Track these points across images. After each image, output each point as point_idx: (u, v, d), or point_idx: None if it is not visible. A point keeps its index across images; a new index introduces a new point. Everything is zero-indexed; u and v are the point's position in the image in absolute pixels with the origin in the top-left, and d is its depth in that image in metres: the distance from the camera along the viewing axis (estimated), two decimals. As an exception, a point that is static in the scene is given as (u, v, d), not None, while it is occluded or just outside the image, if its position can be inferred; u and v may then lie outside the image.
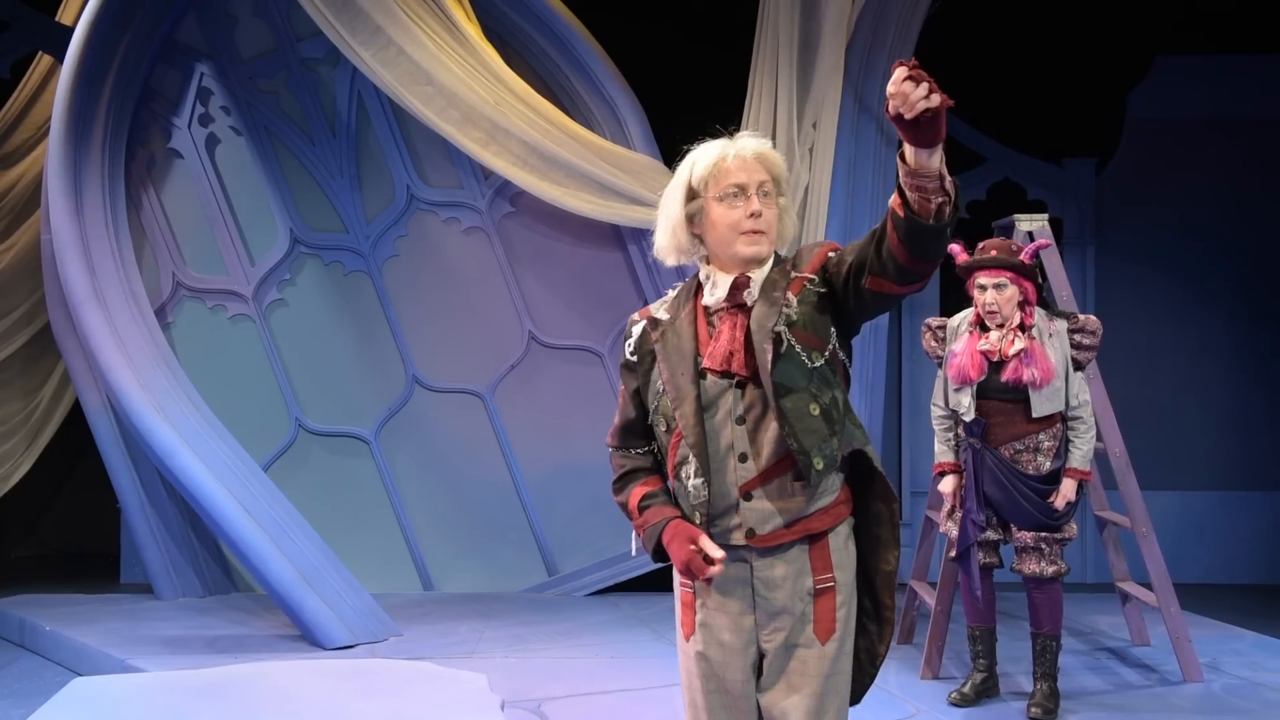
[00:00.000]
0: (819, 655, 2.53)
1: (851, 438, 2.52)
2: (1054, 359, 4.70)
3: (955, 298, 5.34)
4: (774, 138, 6.38)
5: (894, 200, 2.28)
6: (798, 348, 2.46)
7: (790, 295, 2.49)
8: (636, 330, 2.65)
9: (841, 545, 2.57)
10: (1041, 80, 7.71)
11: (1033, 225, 5.42)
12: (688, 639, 2.62)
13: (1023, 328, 4.71)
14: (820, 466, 2.45)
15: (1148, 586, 5.43)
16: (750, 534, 2.51)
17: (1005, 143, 7.88)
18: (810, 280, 2.51)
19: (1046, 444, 4.75)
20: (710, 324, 2.56)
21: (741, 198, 2.51)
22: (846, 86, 6.54)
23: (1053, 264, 5.44)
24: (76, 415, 7.26)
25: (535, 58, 6.99)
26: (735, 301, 2.54)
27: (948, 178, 2.24)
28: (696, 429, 2.50)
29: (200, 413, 6.52)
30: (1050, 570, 4.74)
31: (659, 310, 2.64)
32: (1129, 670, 5.48)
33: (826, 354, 2.49)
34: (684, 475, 2.53)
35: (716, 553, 2.45)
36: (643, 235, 6.76)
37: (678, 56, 7.36)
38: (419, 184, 7.23)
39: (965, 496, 4.81)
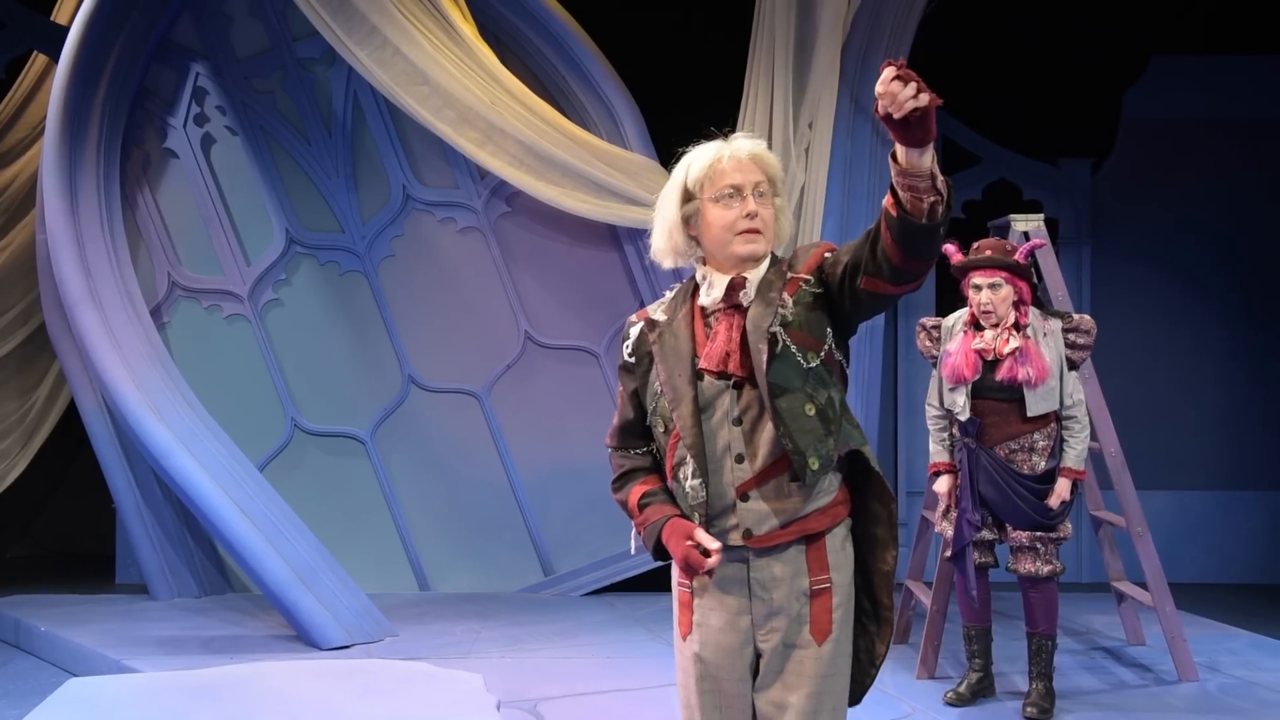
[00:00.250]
0: (815, 656, 2.53)
1: (849, 438, 2.52)
2: (1049, 358, 4.70)
3: (951, 298, 5.34)
4: (770, 138, 6.39)
5: (887, 200, 2.29)
6: (793, 348, 2.46)
7: (786, 296, 2.50)
8: (634, 332, 2.65)
9: (839, 546, 2.57)
10: (1037, 80, 7.72)
11: (1028, 225, 5.43)
12: (684, 638, 2.62)
13: (1017, 327, 4.71)
14: (816, 467, 2.46)
15: (1143, 586, 5.44)
16: (747, 534, 2.51)
17: (1001, 143, 7.88)
18: (806, 281, 2.52)
19: (1041, 444, 4.76)
20: (707, 325, 2.56)
21: (737, 198, 2.52)
22: (842, 87, 6.55)
23: (1048, 264, 5.44)
24: (72, 415, 7.25)
25: (531, 57, 6.99)
26: (731, 302, 2.54)
27: (939, 177, 2.25)
28: (694, 430, 2.50)
29: (195, 413, 6.51)
30: (1045, 570, 4.75)
31: (656, 311, 2.65)
32: (1124, 670, 5.49)
33: (822, 354, 2.49)
34: (682, 476, 2.54)
35: (712, 544, 2.45)
36: (639, 235, 6.77)
37: (674, 56, 7.36)
38: (415, 184, 7.23)
39: (960, 496, 4.82)
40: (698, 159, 2.56)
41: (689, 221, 2.57)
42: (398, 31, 6.39)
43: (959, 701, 4.91)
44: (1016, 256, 4.71)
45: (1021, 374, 4.66)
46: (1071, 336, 4.80)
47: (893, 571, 2.59)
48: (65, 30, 6.78)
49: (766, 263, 2.56)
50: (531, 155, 6.49)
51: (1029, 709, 4.76)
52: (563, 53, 6.90)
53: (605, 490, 2.73)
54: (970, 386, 4.76)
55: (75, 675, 5.45)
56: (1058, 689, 4.91)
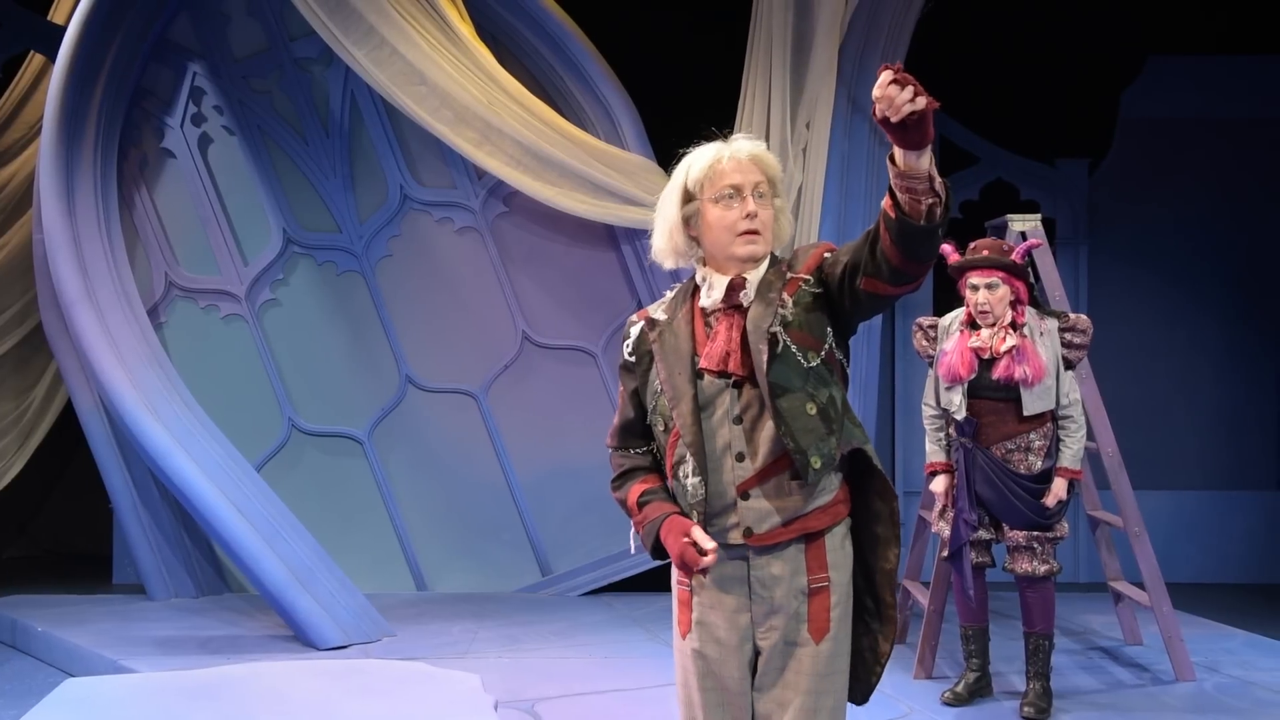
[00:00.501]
0: (813, 654, 2.54)
1: (850, 436, 2.54)
2: (1045, 357, 4.71)
3: (948, 297, 5.34)
4: (768, 138, 6.38)
5: (885, 202, 2.30)
6: (793, 348, 2.47)
7: (786, 296, 2.51)
8: (635, 331, 2.66)
9: (838, 545, 2.57)
10: (1034, 80, 7.73)
11: (1025, 225, 5.43)
12: (684, 637, 2.63)
13: (1014, 326, 4.72)
14: (818, 465, 2.47)
15: (1140, 586, 5.45)
16: (748, 533, 2.52)
17: (998, 143, 7.89)
18: (806, 281, 2.53)
19: (1038, 443, 4.76)
20: (707, 325, 2.57)
21: (737, 199, 2.52)
22: (840, 87, 6.55)
23: (1045, 264, 5.44)
24: (69, 415, 7.25)
25: (529, 57, 6.99)
26: (732, 302, 2.55)
27: (937, 179, 2.26)
28: (694, 428, 2.51)
29: (193, 413, 6.51)
30: (1042, 569, 4.75)
31: (656, 311, 2.66)
32: (1121, 669, 5.49)
33: (822, 354, 2.50)
34: (681, 474, 2.54)
35: (708, 543, 2.46)
36: (636, 235, 6.77)
37: (672, 56, 7.36)
38: (412, 184, 7.23)
39: (957, 496, 4.82)
40: (698, 160, 2.57)
41: (689, 222, 2.58)
42: (395, 31, 6.39)
43: (956, 701, 4.91)
44: (1013, 256, 4.72)
45: (1018, 373, 4.66)
46: (1068, 336, 4.81)
47: (895, 570, 2.60)
48: (62, 30, 6.77)
49: (766, 263, 2.57)
50: (529, 155, 6.49)
51: (1026, 709, 4.76)
52: (560, 53, 6.90)
53: (603, 490, 2.74)
54: (966, 386, 4.76)
55: (72, 675, 5.45)
56: (1055, 689, 4.92)
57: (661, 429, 2.59)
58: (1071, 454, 4.77)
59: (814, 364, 2.48)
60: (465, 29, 6.65)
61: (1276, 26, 7.71)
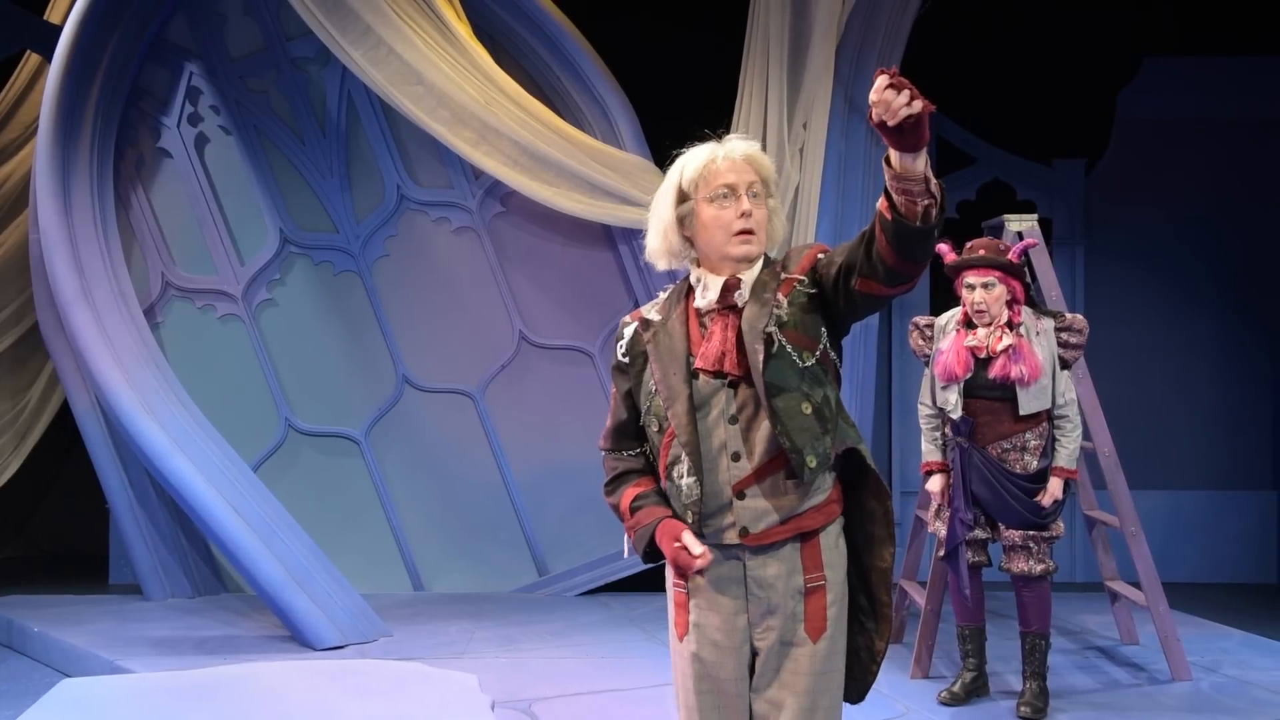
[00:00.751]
0: (810, 654, 2.54)
1: (844, 436, 2.54)
2: (1041, 357, 4.72)
3: (944, 297, 5.35)
4: (764, 138, 6.39)
5: (881, 203, 2.31)
6: (789, 348, 2.48)
7: (780, 296, 2.51)
8: (628, 332, 2.66)
9: (832, 544, 2.58)
10: (1031, 81, 7.73)
11: (1022, 225, 5.44)
12: (681, 639, 2.63)
13: (1010, 325, 4.72)
14: (814, 465, 2.47)
15: (1136, 585, 5.45)
16: (743, 532, 2.52)
17: (995, 143, 7.89)
18: (800, 281, 2.53)
19: (1033, 443, 4.77)
20: (702, 325, 2.58)
21: (732, 198, 2.53)
22: (837, 87, 6.55)
23: (1042, 264, 5.45)
24: (65, 415, 7.24)
25: (526, 57, 6.99)
26: (726, 303, 2.55)
27: (933, 181, 2.26)
28: (689, 428, 2.51)
29: (189, 413, 6.50)
30: (1038, 569, 4.76)
31: (650, 312, 2.66)
32: (1118, 669, 5.50)
33: (817, 354, 2.51)
34: (676, 475, 2.55)
35: (697, 548, 2.47)
36: (633, 235, 6.77)
37: (668, 56, 7.36)
38: (409, 184, 7.22)
39: (953, 495, 4.82)
40: (692, 160, 2.58)
41: (683, 222, 2.58)
42: (392, 31, 6.39)
43: (953, 701, 4.92)
44: (1010, 256, 4.72)
45: (1014, 372, 4.67)
46: (1064, 336, 4.82)
47: (890, 569, 2.60)
48: (58, 29, 6.76)
49: (760, 263, 2.57)
50: (526, 155, 6.49)
51: (1023, 708, 4.77)
52: (557, 53, 6.90)
53: (600, 490, 2.74)
54: (962, 385, 4.77)
55: (69, 676, 5.45)
56: (1051, 688, 4.93)
57: (656, 429, 2.59)
58: (1067, 454, 4.77)
59: (809, 364, 2.49)
60: (462, 29, 6.65)
61: (1273, 27, 7.72)
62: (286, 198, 7.25)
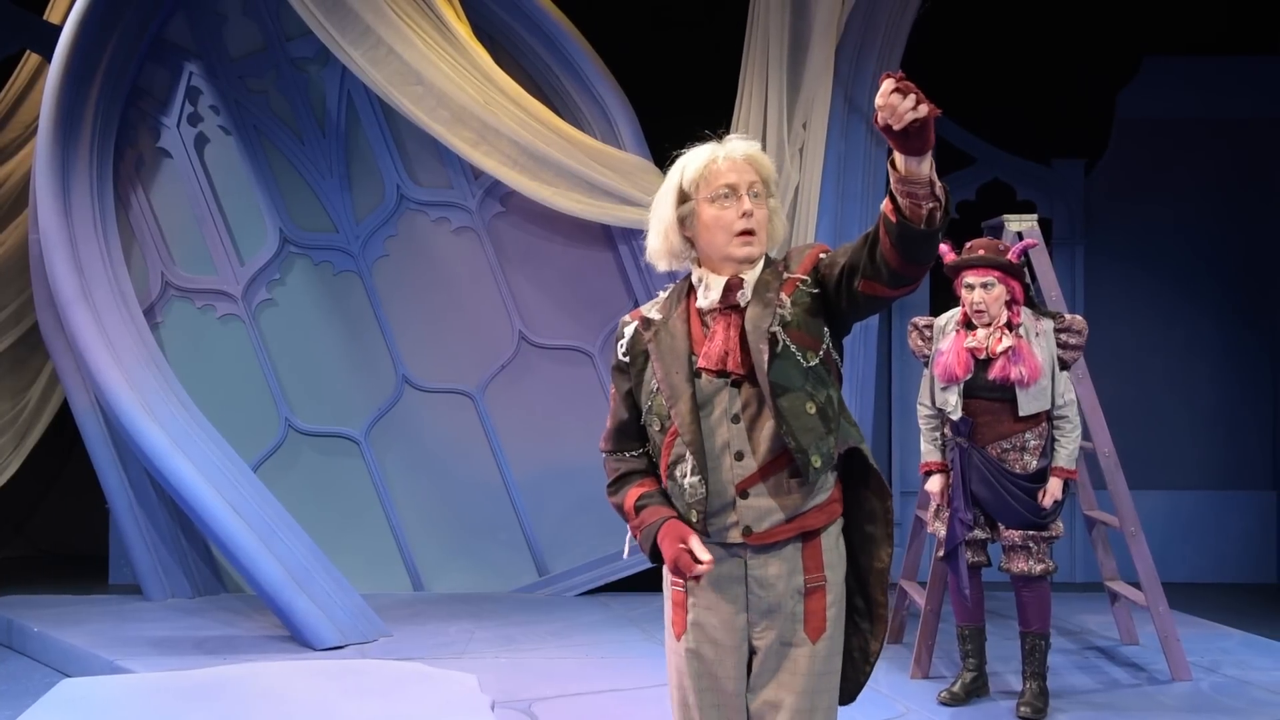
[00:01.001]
0: (809, 654, 2.54)
1: (847, 435, 2.54)
2: (1040, 358, 4.72)
3: (944, 297, 5.35)
4: (764, 138, 6.39)
5: (886, 205, 2.31)
6: (793, 348, 2.48)
7: (783, 296, 2.51)
8: (629, 331, 2.66)
9: (833, 544, 2.58)
10: (1031, 81, 7.73)
11: (1022, 225, 5.44)
12: (679, 638, 2.63)
13: (1010, 326, 4.72)
14: (818, 464, 2.48)
15: (1136, 585, 5.45)
16: (747, 531, 2.52)
17: (995, 143, 7.89)
18: (803, 281, 2.53)
19: (1033, 443, 4.77)
20: (704, 324, 2.57)
21: (733, 198, 2.53)
22: (836, 87, 6.55)
23: (1042, 264, 5.45)
24: (65, 415, 7.24)
25: (525, 57, 6.98)
26: (729, 303, 2.55)
27: (938, 183, 2.27)
28: (693, 427, 2.51)
29: (189, 413, 6.50)
30: (1038, 569, 4.76)
31: (651, 311, 2.66)
32: (1118, 669, 5.50)
33: (821, 354, 2.51)
34: (679, 474, 2.54)
35: (704, 555, 2.46)
36: (633, 235, 6.77)
37: (668, 56, 7.36)
38: (409, 184, 7.22)
39: (953, 495, 4.82)
40: (693, 160, 2.58)
41: (684, 222, 2.58)
42: (391, 31, 6.38)
43: (953, 701, 4.92)
44: (1009, 256, 4.72)
45: (1014, 373, 4.67)
46: (1063, 337, 4.82)
47: (887, 569, 2.60)
48: (58, 29, 6.76)
49: (761, 263, 2.57)
50: (526, 155, 6.49)
51: (1023, 708, 4.77)
52: (557, 53, 6.90)
53: (600, 490, 2.74)
54: (962, 386, 4.77)
55: (68, 676, 5.45)
56: (1051, 688, 4.93)
57: (657, 429, 2.59)
58: (1067, 454, 4.77)
59: (813, 364, 2.49)
60: (462, 29, 6.65)
61: (1272, 27, 7.72)
62: (286, 198, 7.24)
